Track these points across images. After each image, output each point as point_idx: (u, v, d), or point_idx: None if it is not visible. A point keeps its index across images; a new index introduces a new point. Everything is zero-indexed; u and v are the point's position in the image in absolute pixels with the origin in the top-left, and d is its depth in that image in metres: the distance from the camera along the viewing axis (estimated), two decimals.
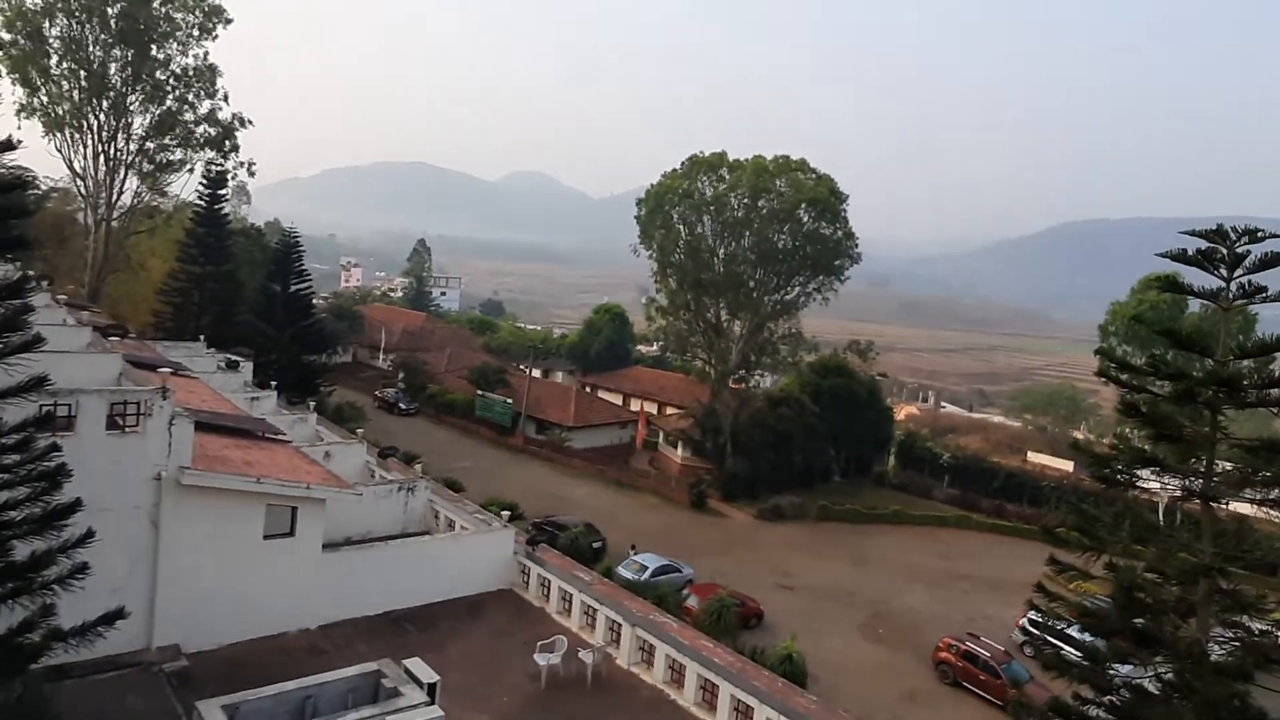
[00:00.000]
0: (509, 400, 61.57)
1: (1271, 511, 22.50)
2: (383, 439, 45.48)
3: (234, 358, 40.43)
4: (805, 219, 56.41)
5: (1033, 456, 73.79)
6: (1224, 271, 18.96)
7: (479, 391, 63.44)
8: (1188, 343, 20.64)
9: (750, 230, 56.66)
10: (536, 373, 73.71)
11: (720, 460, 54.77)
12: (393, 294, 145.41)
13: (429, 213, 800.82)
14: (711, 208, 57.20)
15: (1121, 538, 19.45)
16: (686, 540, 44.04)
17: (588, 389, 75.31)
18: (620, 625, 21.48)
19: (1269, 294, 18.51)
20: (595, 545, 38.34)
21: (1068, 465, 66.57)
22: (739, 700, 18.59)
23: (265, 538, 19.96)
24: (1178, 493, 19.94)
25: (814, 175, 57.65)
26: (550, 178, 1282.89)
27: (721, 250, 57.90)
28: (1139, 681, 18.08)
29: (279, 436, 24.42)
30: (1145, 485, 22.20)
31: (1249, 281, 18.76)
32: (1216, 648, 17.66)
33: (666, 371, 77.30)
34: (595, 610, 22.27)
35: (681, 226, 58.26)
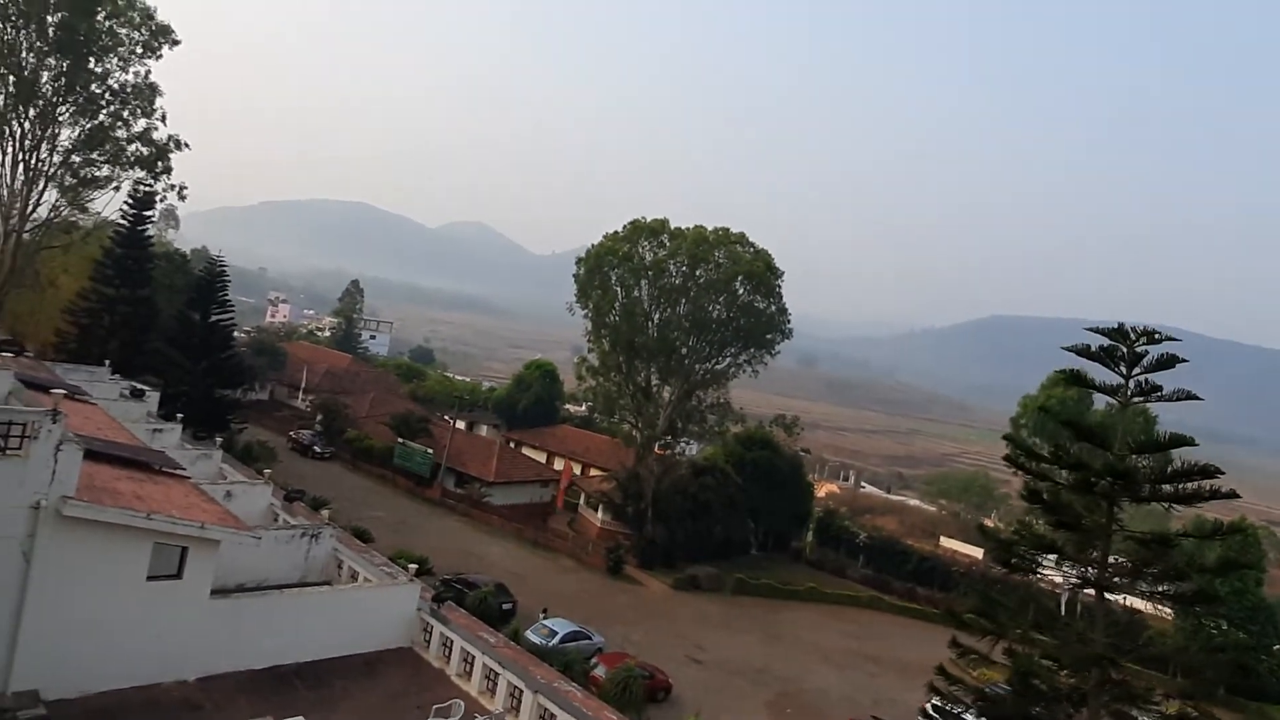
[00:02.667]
0: (430, 451, 60.20)
1: (1160, 605, 23.33)
2: (293, 482, 43.81)
3: (140, 386, 38.67)
4: (741, 291, 57.49)
5: (945, 542, 75.24)
6: (1124, 369, 19.98)
7: (400, 439, 61.89)
8: (1088, 434, 21.57)
9: (686, 298, 57.41)
10: (461, 424, 72.40)
11: (640, 526, 54.28)
12: (320, 333, 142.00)
13: (365, 254, 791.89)
14: (650, 273, 57.85)
15: (1022, 624, 19.89)
16: (600, 606, 43.28)
17: (512, 444, 74.25)
18: (522, 691, 20.74)
19: (1164, 393, 19.57)
20: (505, 606, 37.26)
21: (978, 552, 68.06)
22: None
23: (149, 579, 18.75)
24: (1075, 580, 20.59)
25: (752, 249, 59.02)
26: (492, 229, 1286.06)
27: (657, 315, 58.40)
28: None
29: (177, 471, 23.22)
30: (1045, 574, 22.84)
31: (1146, 380, 19.80)
32: None
33: (593, 432, 76.84)
34: (497, 674, 21.48)
35: (619, 289, 58.68)
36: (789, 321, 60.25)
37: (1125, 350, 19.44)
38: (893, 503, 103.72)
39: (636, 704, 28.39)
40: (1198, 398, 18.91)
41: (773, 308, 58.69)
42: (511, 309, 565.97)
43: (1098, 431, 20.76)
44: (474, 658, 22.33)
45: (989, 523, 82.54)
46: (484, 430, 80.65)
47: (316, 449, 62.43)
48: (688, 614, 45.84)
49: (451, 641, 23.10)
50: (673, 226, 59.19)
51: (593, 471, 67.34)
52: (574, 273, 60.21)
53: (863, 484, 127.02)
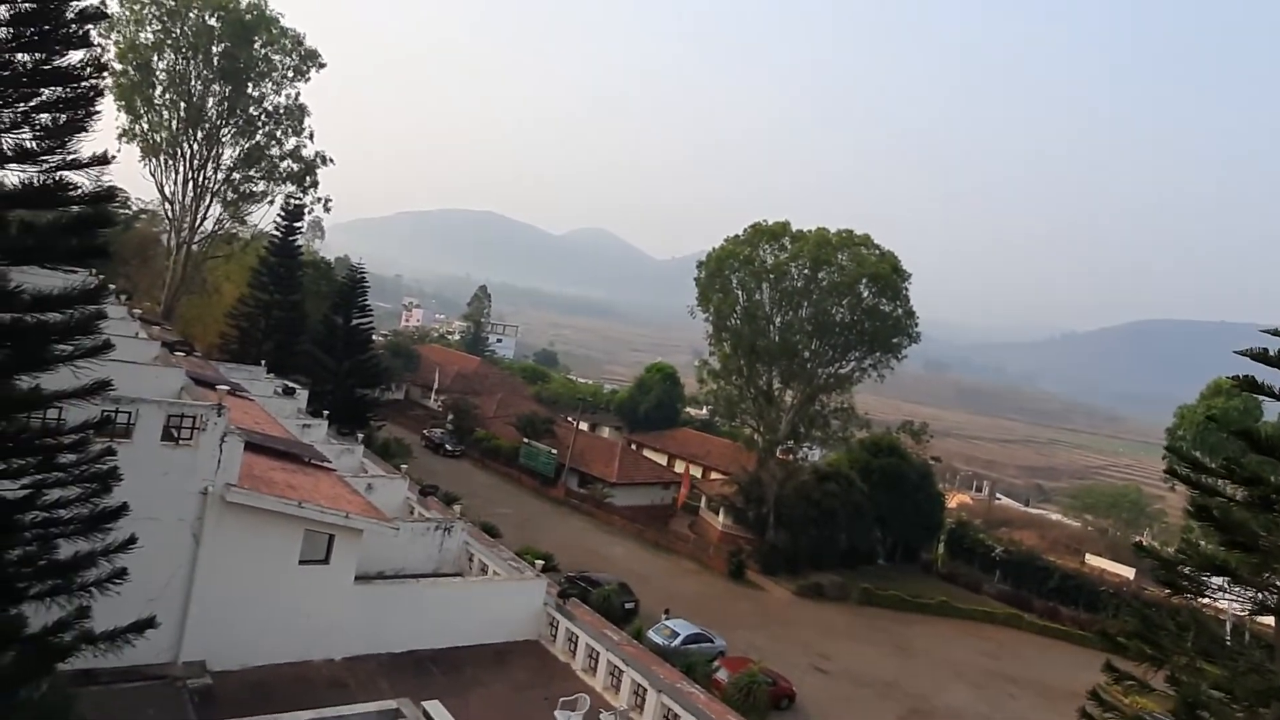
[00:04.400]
0: (554, 451, 61.54)
1: None
2: (426, 478, 45.69)
3: (291, 384, 41.27)
4: (865, 294, 55.93)
5: (1091, 559, 70.52)
6: None
7: (525, 439, 63.57)
8: (1267, 446, 19.60)
9: (808, 301, 56.32)
10: (584, 426, 73.71)
11: (762, 531, 53.58)
12: (450, 336, 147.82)
13: (493, 260, 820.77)
14: (771, 276, 57.14)
15: (1186, 650, 18.29)
16: (721, 610, 42.91)
17: (633, 446, 74.83)
18: (645, 690, 20.78)
19: None
20: (627, 605, 37.56)
21: (1129, 571, 63.48)
22: None
23: (300, 563, 19.98)
24: (1248, 607, 18.73)
25: (877, 250, 57.30)
26: (614, 235, 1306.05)
27: (778, 318, 57.59)
28: None
29: (324, 464, 24.65)
30: (1213, 596, 20.94)
31: None
32: None
33: (713, 436, 76.55)
34: (621, 671, 21.63)
35: (740, 292, 58.28)
36: (916, 325, 58.07)
37: None
38: (1031, 516, 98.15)
39: (760, 709, 27.97)
40: None
41: (899, 310, 56.73)
42: (632, 313, 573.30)
43: (1278, 443, 18.87)
44: (599, 654, 22.57)
45: (1145, 539, 76.90)
46: (606, 432, 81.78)
47: (447, 447, 64.94)
48: (811, 622, 44.84)
49: (577, 637, 23.45)
50: (795, 229, 58.29)
51: (713, 475, 67.03)
52: (695, 276, 60.23)
53: (998, 495, 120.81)
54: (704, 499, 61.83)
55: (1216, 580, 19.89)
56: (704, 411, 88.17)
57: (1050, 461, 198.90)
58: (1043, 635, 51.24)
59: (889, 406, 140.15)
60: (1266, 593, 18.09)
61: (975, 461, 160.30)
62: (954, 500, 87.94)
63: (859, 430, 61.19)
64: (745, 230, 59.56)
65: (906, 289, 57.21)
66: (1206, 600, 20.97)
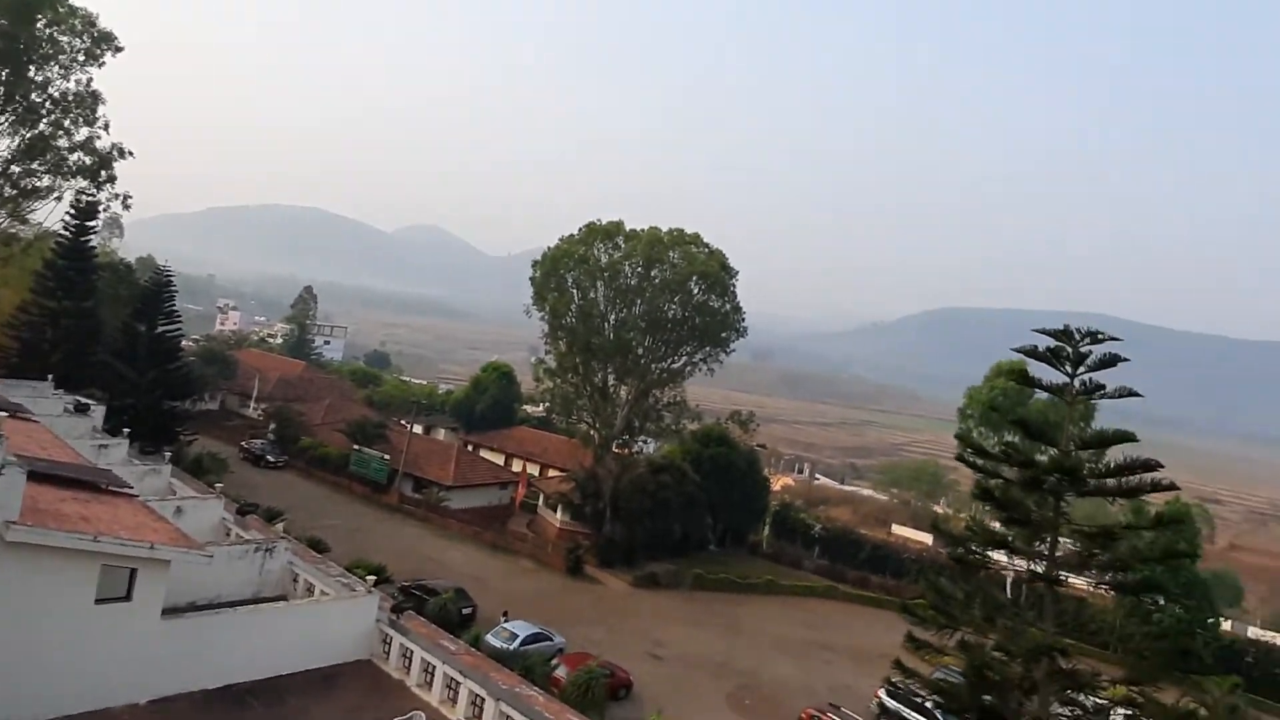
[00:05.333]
0: (386, 456, 59.48)
1: (1108, 591, 24.09)
2: (245, 493, 42.99)
3: (84, 400, 37.48)
4: (696, 291, 57.91)
5: (897, 529, 76.83)
6: (1069, 368, 20.61)
7: (355, 446, 61.04)
8: (1036, 432, 22.23)
9: (642, 298, 57.62)
10: (418, 429, 71.64)
11: (599, 525, 54.40)
12: (272, 340, 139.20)
13: (319, 259, 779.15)
14: (605, 274, 57.99)
15: (973, 616, 20.44)
16: (561, 607, 43.33)
17: (470, 447, 73.70)
18: (483, 700, 20.68)
19: (1107, 390, 20.26)
20: (465, 611, 37.15)
21: (928, 538, 69.60)
22: None
23: (98, 602, 18.26)
24: (1026, 573, 21.19)
25: (706, 249, 59.45)
26: (448, 233, 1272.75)
27: (613, 316, 58.53)
28: None
29: (125, 489, 22.62)
30: (996, 563, 23.47)
31: (1090, 379, 20.46)
32: None
33: (551, 434, 76.73)
34: (458, 683, 21.38)
35: (575, 291, 58.74)
36: (743, 319, 60.83)
37: (1070, 351, 20.06)
38: (846, 493, 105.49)
39: (598, 704, 28.52)
40: (1138, 394, 19.58)
41: (727, 306, 59.18)
42: (468, 311, 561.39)
43: (1046, 429, 21.36)
44: (434, 667, 22.17)
45: (940, 509, 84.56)
46: (441, 434, 79.95)
47: (269, 458, 61.25)
48: (648, 611, 46.12)
49: (411, 652, 22.91)
50: (628, 228, 59.40)
51: (551, 472, 67.23)
52: (530, 275, 60.08)
53: (817, 476, 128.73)
54: (542, 497, 61.91)
55: (997, 553, 22.38)
56: (541, 409, 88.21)
57: (863, 441, 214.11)
58: (856, 603, 55.50)
59: (719, 396, 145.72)
60: (1037, 560, 20.53)
61: (797, 445, 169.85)
62: (778, 483, 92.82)
63: (691, 422, 63.35)
64: (580, 229, 60.07)
65: (734, 285, 59.78)
66: (997, 560, 23.55)
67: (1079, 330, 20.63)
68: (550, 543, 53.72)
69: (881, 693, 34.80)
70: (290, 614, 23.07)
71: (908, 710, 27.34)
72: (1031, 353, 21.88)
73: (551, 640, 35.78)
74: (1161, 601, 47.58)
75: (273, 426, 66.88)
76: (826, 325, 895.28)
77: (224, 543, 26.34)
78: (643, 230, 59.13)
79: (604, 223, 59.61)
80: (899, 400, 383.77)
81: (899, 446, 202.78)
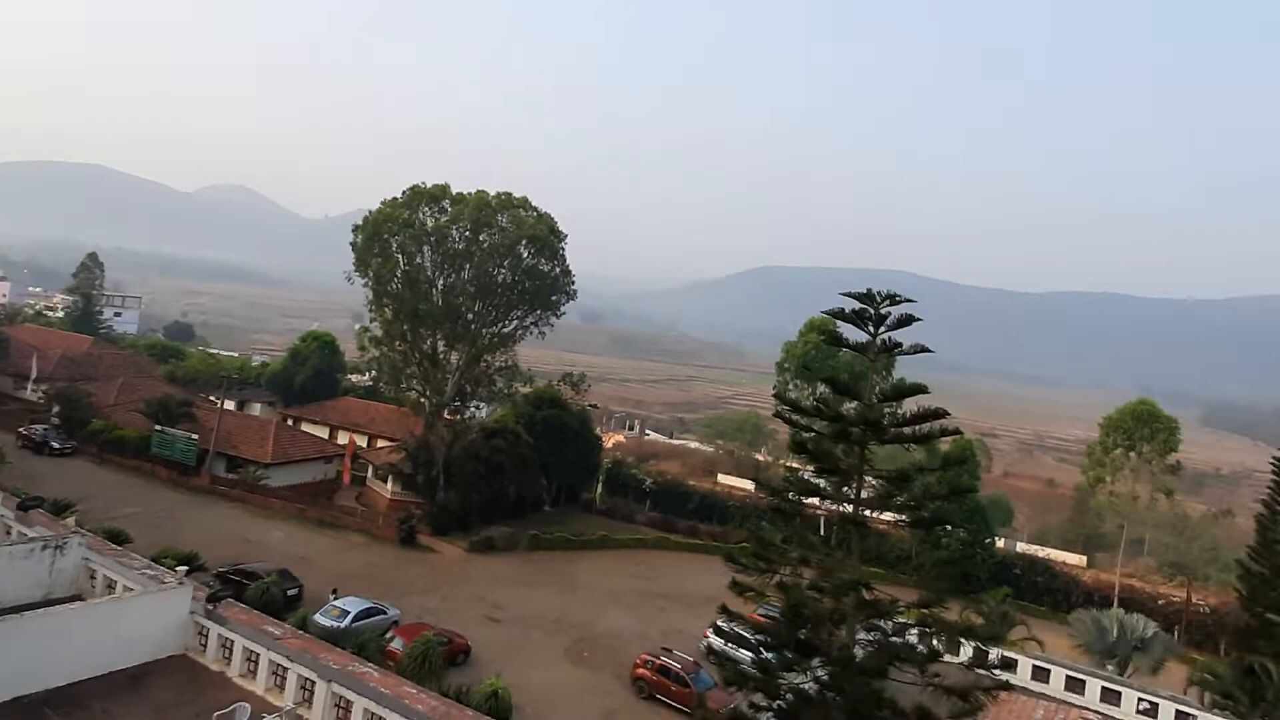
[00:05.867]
0: (194, 436, 55.22)
1: (906, 528, 26.63)
2: (27, 486, 38.83)
3: None
4: (525, 255, 57.50)
5: (722, 479, 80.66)
6: (871, 329, 22.39)
7: (158, 426, 56.18)
8: (843, 389, 24.02)
9: (470, 263, 56.55)
10: (230, 405, 66.86)
11: (432, 494, 53.50)
12: (51, 313, 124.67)
13: (104, 222, 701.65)
14: (432, 239, 56.37)
15: (790, 558, 22.04)
16: (394, 579, 42.58)
17: (290, 422, 69.93)
18: (313, 682, 20.06)
19: (904, 348, 22.23)
20: (290, 593, 35.69)
21: (752, 485, 73.63)
22: None
23: None
24: (836, 515, 23.07)
25: (535, 212, 58.98)
26: (257, 194, 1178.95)
27: (441, 282, 57.13)
28: (802, 686, 20.47)
29: None
30: (810, 508, 25.36)
31: (889, 338, 22.34)
32: (861, 651, 20.52)
33: (379, 403, 74.09)
34: (285, 669, 20.60)
35: (400, 256, 56.72)
36: (573, 282, 61.11)
37: (872, 312, 21.76)
38: (675, 447, 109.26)
39: (436, 673, 28.38)
40: (929, 350, 21.64)
41: (557, 270, 59.25)
42: (282, 277, 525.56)
43: (851, 386, 23.14)
44: (258, 655, 21.23)
45: (762, 457, 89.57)
46: (258, 409, 75.25)
47: (54, 445, 55.34)
48: (484, 575, 46.14)
49: (232, 641, 21.78)
50: (454, 192, 57.89)
51: (380, 443, 65.18)
52: (351, 240, 57.29)
53: (647, 432, 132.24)
54: (371, 468, 60.00)
55: (812, 500, 24.16)
56: (367, 379, 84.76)
57: (690, 396, 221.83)
58: (686, 552, 57.96)
59: (551, 358, 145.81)
60: (846, 503, 22.34)
61: (628, 403, 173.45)
62: (610, 441, 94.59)
63: (523, 385, 63.33)
64: (404, 192, 57.94)
65: (563, 249, 59.78)
66: (809, 507, 25.43)
67: (880, 293, 22.34)
68: (381, 514, 52.28)
69: (710, 634, 37.03)
70: (88, 614, 21.25)
71: (733, 648, 29.16)
72: (839, 315, 23.44)
73: (385, 614, 35.12)
74: (949, 528, 53.27)
75: (56, 410, 60.29)
76: (654, 284, 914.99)
77: (4, 544, 23.75)
78: (470, 194, 57.80)
79: (429, 185, 57.76)
80: (723, 356, 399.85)
81: (723, 400, 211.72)
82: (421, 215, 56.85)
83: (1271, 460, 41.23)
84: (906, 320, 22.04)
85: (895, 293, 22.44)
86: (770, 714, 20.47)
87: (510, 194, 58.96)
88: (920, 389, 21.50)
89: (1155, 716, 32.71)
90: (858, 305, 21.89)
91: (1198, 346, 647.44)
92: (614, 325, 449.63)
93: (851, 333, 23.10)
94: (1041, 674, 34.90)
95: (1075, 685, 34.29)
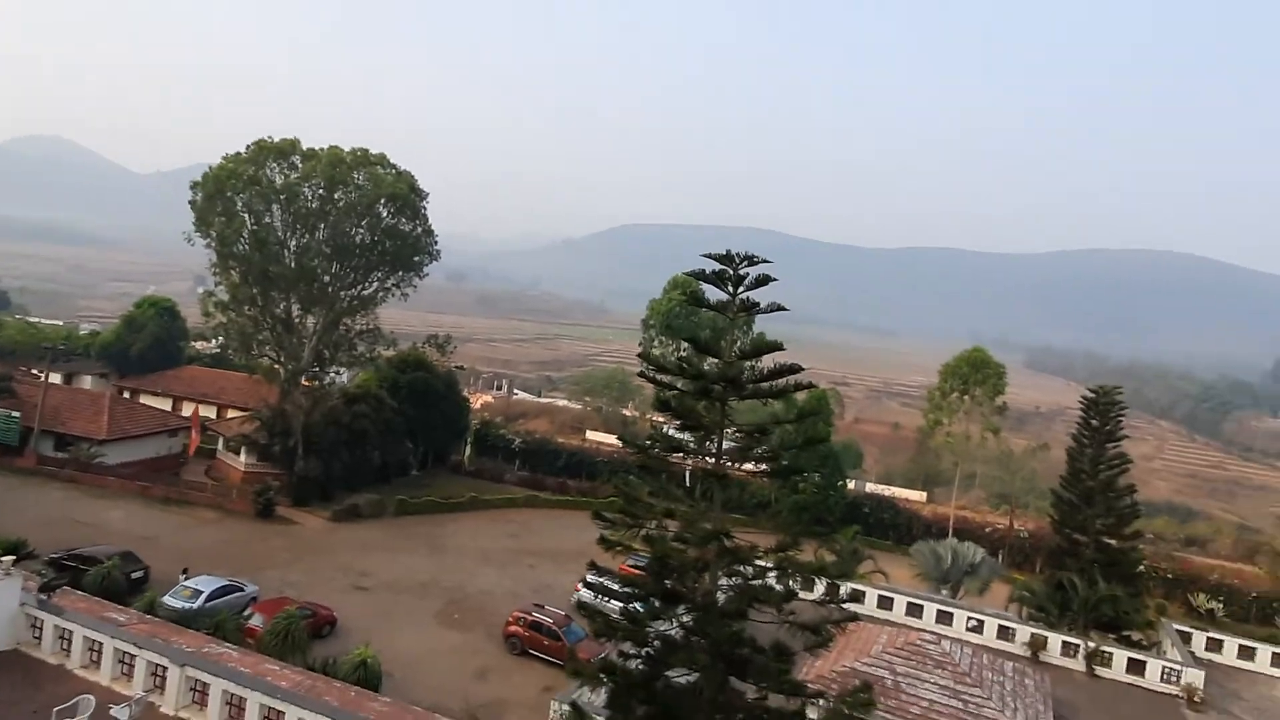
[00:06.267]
0: (15, 414, 50.47)
1: (766, 477, 28.02)
2: None
3: None
4: (385, 214, 55.60)
5: (591, 435, 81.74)
6: (731, 289, 23.19)
7: None
8: (704, 347, 24.86)
9: (325, 223, 54.21)
10: (56, 378, 61.32)
11: (291, 463, 51.54)
12: None
13: None
14: (282, 197, 53.52)
15: (656, 512, 22.82)
16: (252, 554, 41.10)
17: (127, 394, 65.14)
18: (165, 668, 19.18)
19: (761, 306, 23.18)
20: (135, 576, 33.83)
21: (619, 441, 75.04)
22: None
23: None
24: (699, 469, 24.00)
25: (394, 170, 56.89)
26: (78, 145, 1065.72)
27: (293, 242, 54.51)
28: (668, 633, 21.43)
29: None
30: (675, 462, 26.25)
31: (747, 298, 23.23)
32: (723, 596, 21.65)
33: (228, 371, 70.07)
34: (133, 656, 19.58)
35: (246, 215, 53.50)
36: (436, 242, 59.62)
37: (731, 273, 22.51)
38: (544, 405, 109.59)
39: (301, 647, 27.71)
40: (785, 308, 22.62)
41: (419, 229, 57.67)
42: (111, 238, 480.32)
43: (712, 345, 23.99)
44: (100, 644, 20.06)
45: (629, 412, 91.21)
46: (88, 381, 69.48)
47: None
48: (350, 544, 45.15)
49: (70, 632, 20.46)
50: (305, 147, 54.90)
51: (231, 413, 61.92)
52: (190, 199, 53.36)
53: (515, 391, 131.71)
54: (221, 440, 57.01)
55: (676, 454, 24.99)
56: (214, 346, 79.83)
57: (557, 355, 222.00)
58: (556, 509, 58.63)
59: (415, 320, 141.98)
60: (709, 458, 23.26)
61: (495, 363, 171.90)
62: (478, 402, 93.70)
63: (386, 349, 61.61)
64: (249, 147, 54.42)
65: (425, 207, 58.04)
66: (674, 462, 26.32)
67: (739, 254, 23.07)
68: (235, 488, 50.09)
69: (580, 588, 37.90)
70: None
71: (603, 601, 30.05)
72: (699, 275, 24.06)
73: (243, 590, 33.96)
74: (805, 475, 56.37)
75: None
76: (520, 244, 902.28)
77: None
78: (323, 149, 54.98)
79: (276, 140, 54.51)
80: (589, 313, 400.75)
81: (591, 357, 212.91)
82: (269, 171, 53.82)
83: (1080, 399, 45.99)
84: (764, 280, 22.91)
85: (753, 254, 23.25)
86: (639, 661, 21.31)
87: (367, 150, 56.63)
88: (777, 346, 22.55)
89: (981, 632, 36.35)
90: (717, 266, 22.56)
91: (1024, 298, 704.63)
92: (480, 285, 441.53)
93: (714, 293, 23.91)
94: (886, 602, 37.85)
95: (915, 610, 37.45)
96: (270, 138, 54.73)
